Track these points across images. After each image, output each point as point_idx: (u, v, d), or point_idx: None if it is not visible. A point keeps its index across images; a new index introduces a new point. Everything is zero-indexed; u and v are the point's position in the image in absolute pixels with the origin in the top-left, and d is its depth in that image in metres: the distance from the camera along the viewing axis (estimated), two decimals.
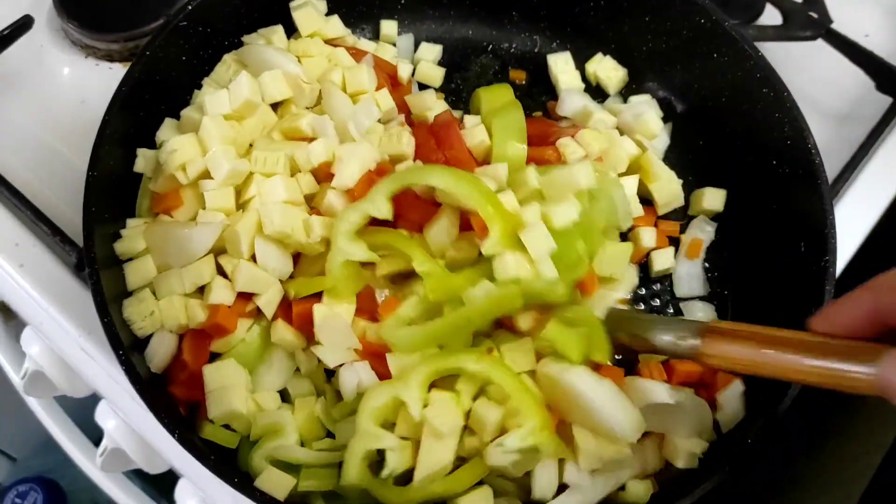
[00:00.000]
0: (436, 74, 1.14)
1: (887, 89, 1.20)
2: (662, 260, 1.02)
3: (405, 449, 0.81)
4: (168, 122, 0.96)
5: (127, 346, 0.80)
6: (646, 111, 1.06)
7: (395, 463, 0.80)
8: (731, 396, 0.87)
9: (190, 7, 0.96)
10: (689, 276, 1.03)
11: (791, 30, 1.19)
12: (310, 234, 0.87)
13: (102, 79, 1.18)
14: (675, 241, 1.05)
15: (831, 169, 1.04)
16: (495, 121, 0.99)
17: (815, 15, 1.20)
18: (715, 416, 0.88)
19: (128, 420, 1.02)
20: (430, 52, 1.15)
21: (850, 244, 1.11)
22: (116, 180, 0.92)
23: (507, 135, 0.98)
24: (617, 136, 1.04)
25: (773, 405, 0.81)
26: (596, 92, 1.15)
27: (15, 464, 2.02)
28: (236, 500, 0.92)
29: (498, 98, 1.04)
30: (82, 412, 1.30)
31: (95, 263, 0.81)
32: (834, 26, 1.20)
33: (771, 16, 1.24)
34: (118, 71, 1.19)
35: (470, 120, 1.03)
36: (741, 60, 1.00)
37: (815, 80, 1.23)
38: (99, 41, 1.17)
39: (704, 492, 0.78)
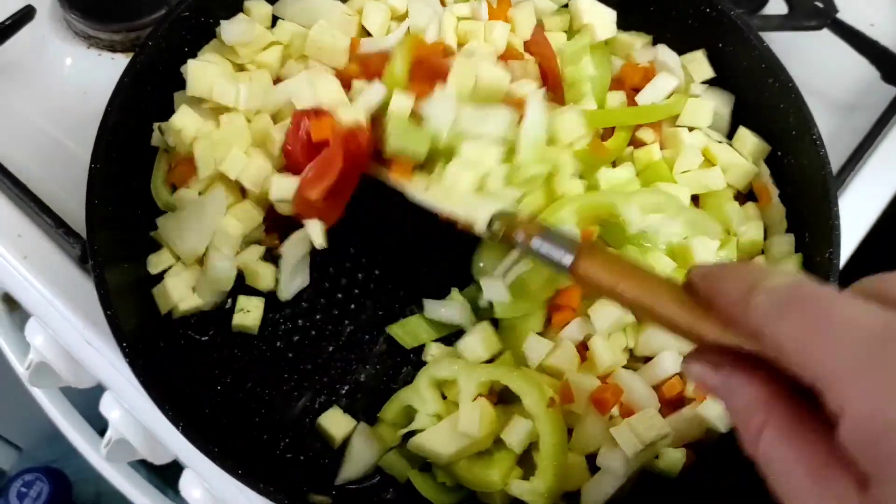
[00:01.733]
0: None
1: (893, 79, 1.19)
2: None
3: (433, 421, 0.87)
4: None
5: (130, 340, 0.79)
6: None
7: (419, 423, 0.87)
8: None
9: None
10: None
11: (796, 19, 1.18)
12: None
13: (105, 69, 1.18)
14: None
15: (836, 159, 1.03)
16: None
17: (820, 4, 1.19)
18: None
19: (132, 411, 1.03)
20: None
21: (855, 235, 1.10)
22: (119, 172, 0.92)
23: None
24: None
25: None
26: None
27: (21, 454, 2.03)
28: (241, 491, 0.93)
29: None
30: (87, 402, 1.30)
31: (99, 256, 0.81)
32: (839, 16, 1.19)
33: (776, 5, 1.23)
34: (121, 61, 1.19)
35: None
36: (746, 50, 0.99)
37: (819, 69, 1.22)
38: (101, 31, 1.17)
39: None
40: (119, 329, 0.79)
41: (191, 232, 0.91)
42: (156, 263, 0.94)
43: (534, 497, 0.80)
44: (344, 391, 0.95)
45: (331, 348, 0.97)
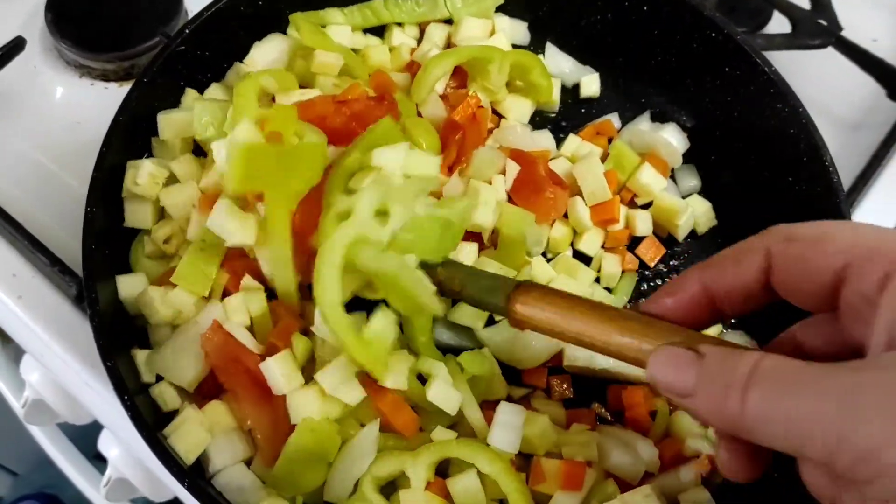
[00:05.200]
0: None
1: None
2: None
3: None
4: None
5: (132, 390, 0.77)
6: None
7: None
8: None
9: (187, 31, 0.93)
10: None
11: (800, 38, 1.17)
12: None
13: (97, 99, 1.15)
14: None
15: (845, 179, 1.01)
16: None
17: (824, 22, 1.18)
18: None
19: (131, 450, 1.00)
20: None
21: None
22: (117, 212, 0.90)
23: None
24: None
25: None
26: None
27: (17, 479, 2.01)
28: None
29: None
30: (84, 434, 1.28)
31: (97, 305, 0.79)
32: (843, 33, 1.17)
33: (779, 23, 1.22)
34: (113, 90, 1.16)
35: None
36: (754, 75, 0.97)
37: (824, 88, 1.20)
38: (93, 61, 1.14)
39: None
40: (120, 381, 0.76)
41: (186, 360, 0.83)
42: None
43: None
44: None
45: None
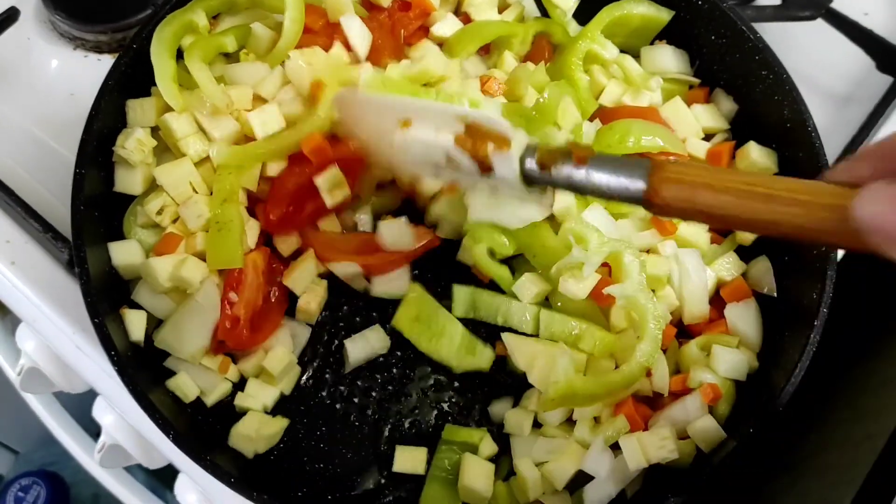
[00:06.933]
0: None
1: (888, 69, 1.18)
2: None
3: None
4: None
5: (120, 349, 0.78)
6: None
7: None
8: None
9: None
10: None
11: (790, 10, 1.17)
12: None
13: (91, 71, 1.16)
14: None
15: (832, 150, 1.02)
16: None
17: None
18: None
19: (125, 416, 1.02)
20: None
21: None
22: (106, 176, 0.91)
23: None
24: None
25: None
26: None
27: (17, 457, 2.02)
28: (235, 496, 0.92)
29: None
30: (81, 406, 1.29)
31: (86, 263, 0.80)
32: (833, 5, 1.18)
33: None
34: (107, 62, 1.17)
35: None
36: (740, 42, 0.98)
37: (814, 60, 1.21)
38: (87, 32, 1.16)
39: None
40: (108, 339, 0.78)
41: (190, 334, 0.88)
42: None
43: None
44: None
45: None
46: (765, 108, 0.97)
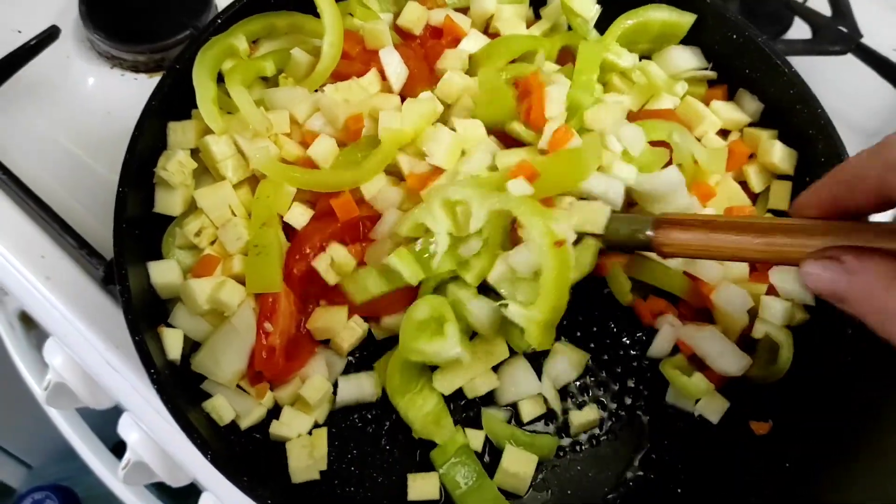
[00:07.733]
0: None
1: None
2: None
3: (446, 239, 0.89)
4: None
5: (159, 366, 0.79)
6: None
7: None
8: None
9: (219, 21, 0.95)
10: None
11: (820, 44, 1.18)
12: None
13: (128, 89, 1.18)
14: None
15: None
16: None
17: (844, 29, 1.19)
18: None
19: (151, 433, 1.02)
20: None
21: None
22: (147, 196, 0.92)
23: None
24: None
25: None
26: None
27: (30, 471, 2.02)
28: None
29: None
30: (100, 421, 1.29)
31: (127, 281, 0.81)
32: (863, 41, 1.19)
33: (800, 29, 1.23)
34: (143, 82, 1.19)
35: None
36: (774, 76, 0.99)
37: (844, 94, 1.21)
38: (125, 52, 1.17)
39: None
40: (148, 355, 0.78)
41: (227, 358, 0.88)
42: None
43: (528, 324, 0.83)
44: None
45: None
46: (799, 143, 0.98)
